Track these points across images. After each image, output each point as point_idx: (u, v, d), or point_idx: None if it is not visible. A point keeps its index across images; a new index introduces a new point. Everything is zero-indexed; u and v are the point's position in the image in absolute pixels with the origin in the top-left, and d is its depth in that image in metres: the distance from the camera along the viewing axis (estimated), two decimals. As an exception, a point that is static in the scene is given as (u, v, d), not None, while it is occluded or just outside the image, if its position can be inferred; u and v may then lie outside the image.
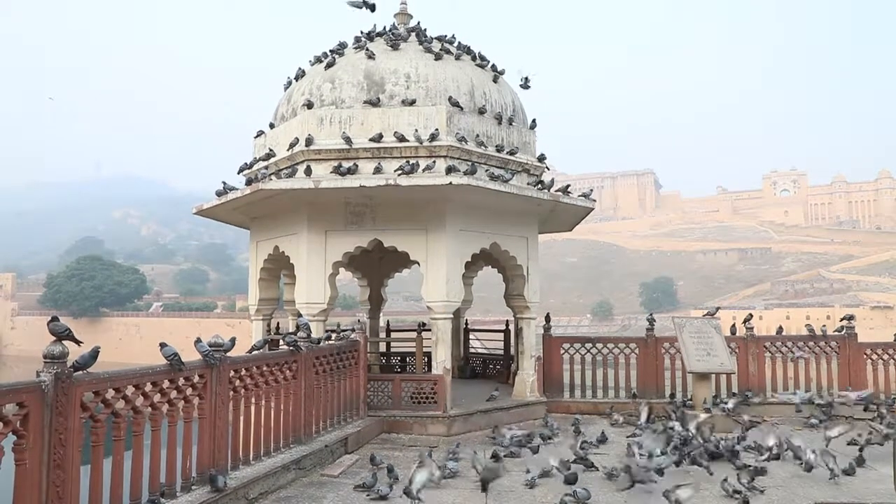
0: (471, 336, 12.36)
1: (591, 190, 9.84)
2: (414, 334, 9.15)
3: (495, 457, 6.52)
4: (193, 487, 4.81)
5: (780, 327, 11.74)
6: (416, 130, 8.11)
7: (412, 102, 8.39)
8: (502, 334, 11.32)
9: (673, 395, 9.49)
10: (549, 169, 9.82)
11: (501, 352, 11.47)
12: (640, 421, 8.00)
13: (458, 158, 8.23)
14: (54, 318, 4.11)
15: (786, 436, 6.87)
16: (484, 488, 5.63)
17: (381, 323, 12.59)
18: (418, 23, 9.81)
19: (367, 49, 8.87)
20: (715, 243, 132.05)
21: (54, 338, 3.90)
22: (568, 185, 9.38)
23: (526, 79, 9.58)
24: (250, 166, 9.32)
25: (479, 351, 12.67)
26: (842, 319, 10.00)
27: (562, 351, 9.87)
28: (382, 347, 11.50)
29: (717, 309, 8.17)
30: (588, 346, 9.90)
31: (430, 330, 8.69)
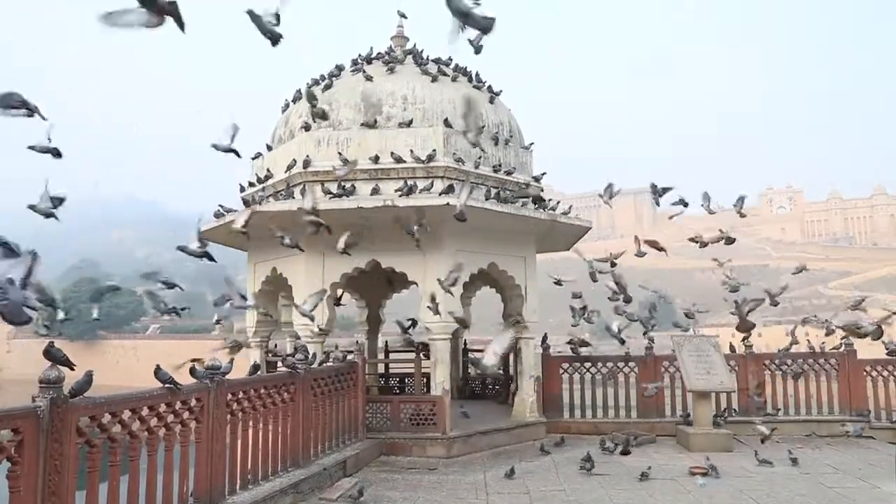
0: (469, 356, 12.28)
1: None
2: (412, 355, 9.10)
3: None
4: (190, 513, 4.75)
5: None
6: (413, 151, 8.15)
7: (409, 124, 8.44)
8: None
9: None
10: (542, 191, 9.84)
11: (501, 372, 11.39)
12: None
13: (455, 179, 8.25)
14: (51, 344, 4.09)
15: None
16: None
17: (380, 344, 12.53)
18: (414, 45, 9.91)
19: (365, 71, 8.95)
20: (712, 261, 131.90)
21: (50, 362, 3.88)
22: (559, 202, 9.40)
23: (476, 41, 7.36)
24: (248, 188, 9.33)
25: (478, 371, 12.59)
26: (842, 337, 9.97)
27: (561, 371, 9.82)
28: (381, 369, 11.43)
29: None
30: (587, 365, 9.85)
31: (428, 351, 8.64)
